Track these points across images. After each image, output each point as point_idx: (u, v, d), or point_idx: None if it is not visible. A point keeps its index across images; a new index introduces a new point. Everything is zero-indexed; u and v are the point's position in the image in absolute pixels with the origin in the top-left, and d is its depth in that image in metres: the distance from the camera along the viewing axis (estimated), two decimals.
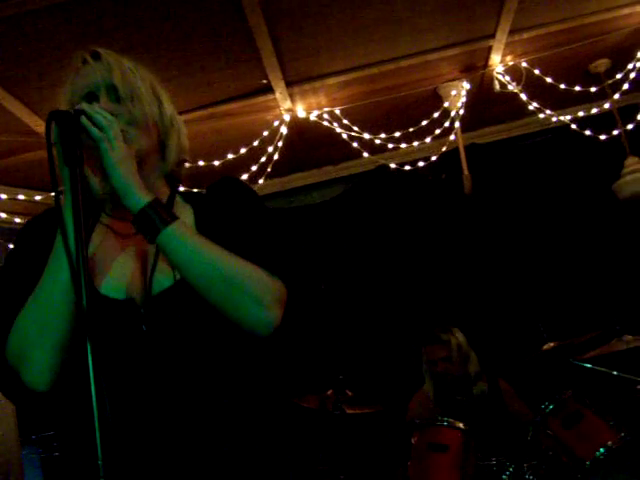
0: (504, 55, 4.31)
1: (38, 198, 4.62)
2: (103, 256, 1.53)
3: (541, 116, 4.69)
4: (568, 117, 4.74)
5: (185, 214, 1.60)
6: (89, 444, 1.15)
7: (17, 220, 4.56)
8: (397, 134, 4.65)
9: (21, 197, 4.57)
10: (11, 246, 4.51)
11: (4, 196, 4.49)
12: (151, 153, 1.56)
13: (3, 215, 4.48)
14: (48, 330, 1.39)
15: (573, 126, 4.72)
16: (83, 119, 1.35)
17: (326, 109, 4.48)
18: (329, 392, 4.16)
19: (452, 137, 4.69)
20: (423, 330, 4.53)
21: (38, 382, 1.42)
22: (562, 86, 4.48)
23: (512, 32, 4.06)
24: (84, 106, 1.39)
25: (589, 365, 3.87)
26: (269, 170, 4.57)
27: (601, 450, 3.37)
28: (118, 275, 1.50)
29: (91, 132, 1.36)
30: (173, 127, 1.61)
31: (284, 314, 1.49)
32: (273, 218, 1.64)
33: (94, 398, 1.13)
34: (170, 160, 1.60)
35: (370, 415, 4.30)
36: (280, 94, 4.21)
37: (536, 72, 4.37)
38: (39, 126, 4.00)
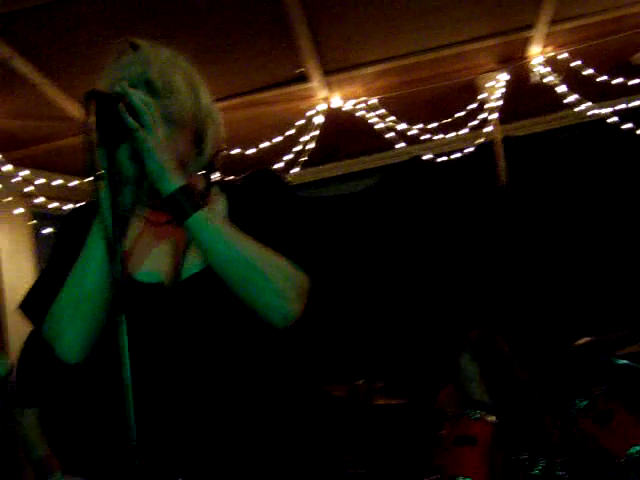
0: (544, 46, 4.25)
1: (74, 183, 4.68)
2: (138, 245, 1.56)
3: (580, 108, 4.61)
4: (608, 110, 4.66)
5: (219, 203, 1.62)
6: (115, 420, 1.17)
7: (53, 205, 4.62)
8: (432, 125, 4.62)
9: (58, 182, 4.63)
10: (47, 230, 4.58)
11: (41, 181, 4.55)
12: (188, 149, 1.56)
13: (40, 200, 4.54)
14: (83, 307, 1.43)
15: (613, 119, 4.64)
16: (120, 106, 1.35)
17: (362, 99, 4.46)
18: (359, 382, 4.16)
19: (488, 129, 4.64)
20: (465, 319, 4.49)
21: (70, 354, 1.46)
22: (602, 78, 4.40)
23: (552, 23, 4.00)
24: (121, 88, 1.40)
25: (623, 361, 3.81)
26: (303, 159, 4.56)
27: (637, 448, 3.33)
28: (151, 262, 1.54)
29: (127, 121, 1.36)
30: (210, 118, 1.61)
31: (306, 307, 1.50)
32: (304, 211, 1.65)
33: (127, 377, 1.15)
34: (207, 153, 1.60)
35: (400, 406, 4.29)
36: (317, 83, 4.20)
37: (576, 63, 4.30)
38: (76, 111, 4.04)
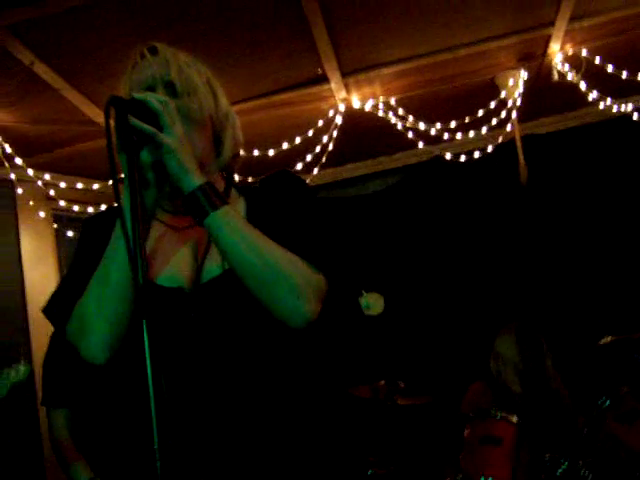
0: (564, 43, 4.22)
1: (96, 187, 4.72)
2: (159, 250, 1.57)
3: (601, 106, 4.57)
4: (630, 106, 4.62)
5: (238, 206, 1.63)
6: (140, 422, 1.18)
7: (75, 208, 4.66)
8: (453, 124, 4.60)
9: (79, 186, 4.67)
10: (69, 234, 4.62)
11: (63, 184, 4.59)
12: (207, 149, 1.58)
13: (62, 203, 4.58)
14: (106, 306, 1.44)
15: (635, 116, 4.60)
16: (133, 120, 1.34)
17: (381, 99, 4.46)
18: (381, 382, 4.16)
19: (509, 127, 4.62)
20: (488, 319, 4.47)
21: (95, 355, 1.47)
22: (624, 75, 4.35)
23: (572, 19, 3.96)
24: (137, 94, 1.40)
25: None
26: (323, 160, 4.57)
27: None
28: (172, 266, 1.55)
29: (144, 130, 1.36)
30: (228, 121, 1.62)
31: (324, 309, 1.50)
32: (323, 212, 1.65)
33: (150, 379, 1.15)
34: (225, 155, 1.62)
35: (422, 406, 4.29)
36: (335, 84, 4.21)
37: (597, 61, 4.26)
38: (97, 116, 4.07)
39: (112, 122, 1.32)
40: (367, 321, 5.11)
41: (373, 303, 3.88)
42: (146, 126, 1.36)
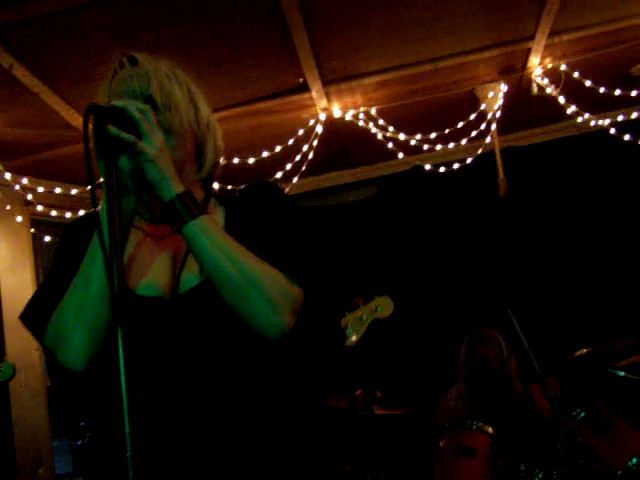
0: (543, 57, 4.26)
1: (74, 192, 4.69)
2: (137, 258, 1.56)
3: (579, 120, 4.62)
4: (607, 121, 4.67)
5: (217, 215, 1.63)
6: (117, 431, 1.17)
7: (53, 213, 4.62)
8: (433, 135, 4.62)
9: (58, 190, 4.64)
10: (47, 239, 4.58)
11: (41, 189, 4.55)
12: (188, 161, 1.58)
13: (40, 208, 4.54)
14: (84, 313, 1.44)
15: (612, 130, 4.65)
16: (111, 129, 1.34)
17: (362, 109, 4.48)
18: (358, 392, 4.16)
19: (488, 139, 4.65)
20: (463, 329, 4.50)
21: (72, 361, 1.46)
22: (602, 89, 4.40)
23: (552, 34, 4.01)
24: (116, 102, 1.40)
25: (623, 373, 3.81)
26: (304, 169, 4.57)
27: (633, 460, 3.32)
28: (151, 275, 1.54)
29: (123, 138, 1.36)
30: (209, 132, 1.62)
31: (301, 320, 1.50)
32: (302, 223, 1.65)
33: (124, 387, 1.15)
34: (206, 166, 1.63)
35: (399, 416, 4.28)
36: (316, 93, 4.21)
37: (575, 75, 4.31)
38: (76, 120, 4.05)
39: (91, 127, 1.31)
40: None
41: (383, 306, 3.94)
42: (125, 134, 1.36)
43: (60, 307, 1.48)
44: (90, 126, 1.31)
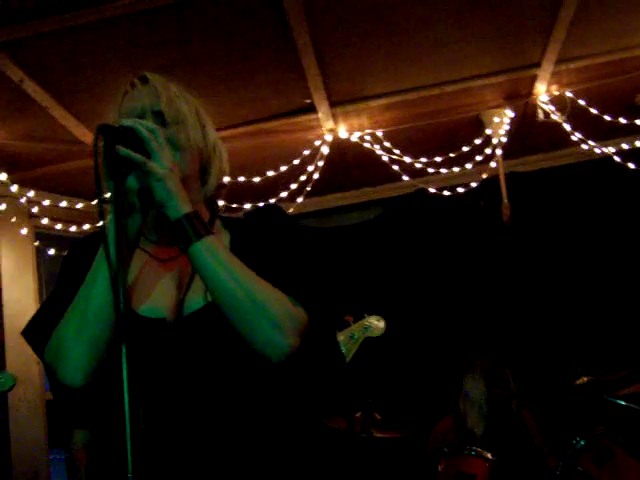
0: (549, 84, 4.28)
1: (80, 206, 4.70)
2: (142, 280, 1.57)
3: (584, 147, 4.62)
4: (612, 149, 4.68)
5: (222, 236, 1.64)
6: (118, 450, 1.17)
7: (58, 227, 4.64)
8: (438, 159, 4.63)
9: (63, 204, 4.65)
10: (51, 252, 4.59)
11: (47, 202, 4.57)
12: (193, 178, 1.59)
13: (45, 221, 4.56)
14: (85, 330, 1.44)
15: (616, 158, 4.66)
16: (121, 149, 1.36)
17: (368, 131, 4.50)
18: (357, 414, 4.14)
19: (493, 164, 4.66)
20: (464, 355, 4.47)
21: (71, 377, 1.46)
22: (607, 117, 4.42)
23: (558, 62, 4.04)
24: (126, 122, 1.42)
25: (623, 402, 3.79)
26: (308, 189, 4.58)
27: None
28: (155, 297, 1.55)
29: (132, 158, 1.37)
30: (215, 153, 1.64)
31: (304, 342, 1.50)
32: (306, 247, 1.66)
33: (127, 407, 1.15)
34: (211, 185, 1.63)
35: (398, 440, 4.26)
36: (323, 114, 4.24)
37: (581, 103, 4.33)
38: (84, 135, 4.07)
39: (100, 151, 1.33)
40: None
41: (374, 325, 3.94)
42: (134, 154, 1.38)
43: (61, 323, 1.48)
44: (100, 144, 1.33)
